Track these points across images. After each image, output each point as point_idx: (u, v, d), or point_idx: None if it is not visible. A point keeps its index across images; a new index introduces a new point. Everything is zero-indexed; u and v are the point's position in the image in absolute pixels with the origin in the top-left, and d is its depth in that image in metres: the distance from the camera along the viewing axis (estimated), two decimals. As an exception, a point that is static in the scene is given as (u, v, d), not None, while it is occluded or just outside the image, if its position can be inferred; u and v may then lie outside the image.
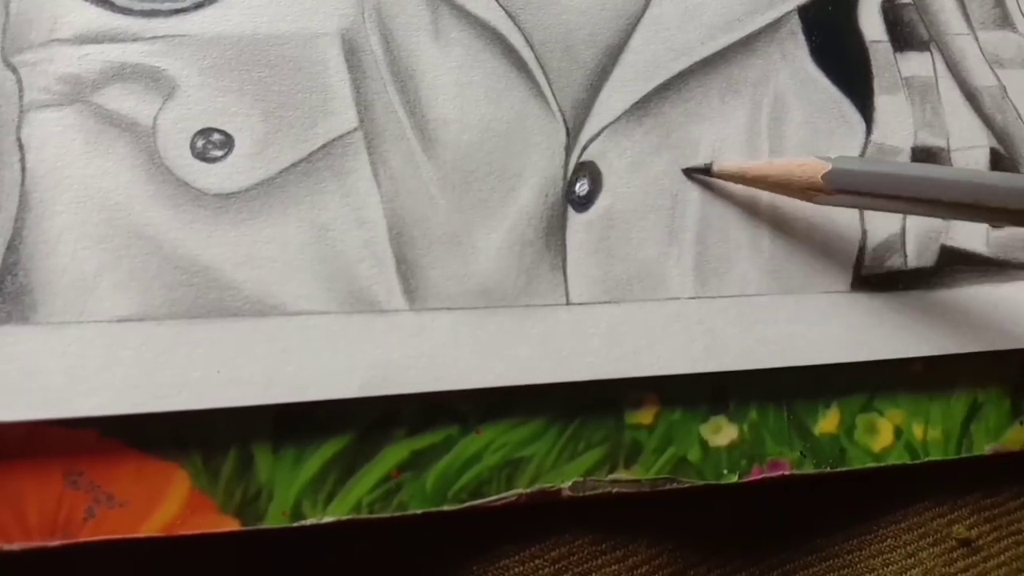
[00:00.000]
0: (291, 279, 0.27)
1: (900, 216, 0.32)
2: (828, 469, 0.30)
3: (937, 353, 0.31)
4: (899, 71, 0.33)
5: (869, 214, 0.31)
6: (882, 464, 0.31)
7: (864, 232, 0.31)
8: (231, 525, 0.26)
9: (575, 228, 0.29)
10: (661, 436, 0.29)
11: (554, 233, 0.29)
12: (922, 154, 0.33)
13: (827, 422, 0.31)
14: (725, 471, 0.29)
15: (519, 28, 0.30)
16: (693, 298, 0.29)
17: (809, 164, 0.28)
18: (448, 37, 0.29)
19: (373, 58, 0.29)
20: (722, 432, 0.30)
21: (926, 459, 0.31)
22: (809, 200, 0.29)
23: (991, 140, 0.33)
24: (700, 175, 0.30)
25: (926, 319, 0.31)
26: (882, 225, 0.32)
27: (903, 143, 0.32)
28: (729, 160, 0.30)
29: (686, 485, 0.29)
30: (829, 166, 0.28)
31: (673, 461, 0.29)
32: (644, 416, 0.29)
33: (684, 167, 0.30)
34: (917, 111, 0.33)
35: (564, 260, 0.29)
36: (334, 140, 0.28)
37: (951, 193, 0.28)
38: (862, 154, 0.32)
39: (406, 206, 0.28)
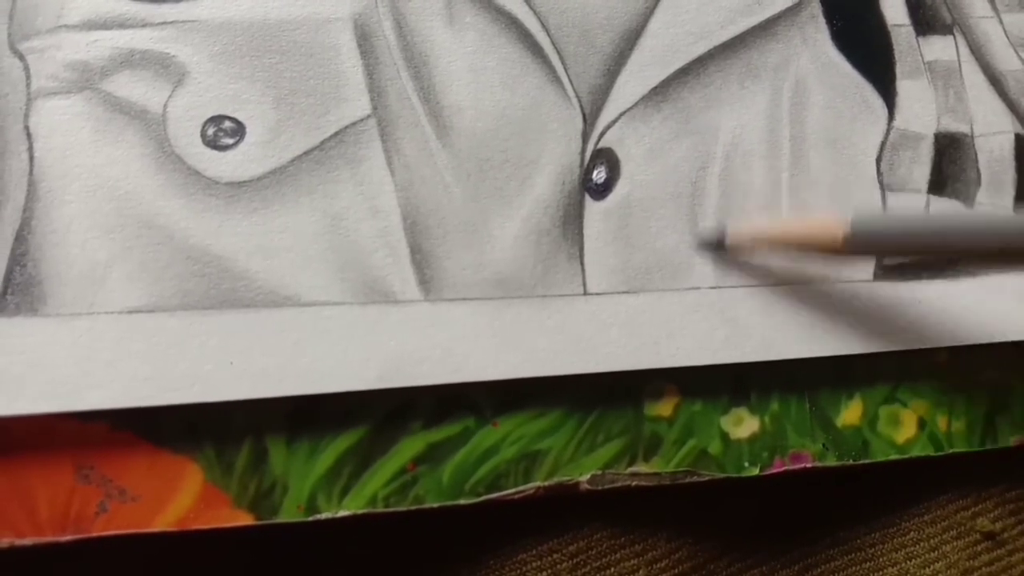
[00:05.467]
0: (305, 269, 0.27)
1: (923, 204, 0.32)
2: (851, 461, 0.30)
3: (961, 343, 0.31)
4: (922, 55, 0.33)
5: (891, 200, 0.31)
6: (906, 456, 0.30)
7: None
8: (245, 519, 0.26)
9: (592, 216, 0.29)
10: (681, 428, 0.29)
11: (571, 222, 0.29)
12: (945, 140, 0.32)
13: (850, 413, 0.30)
14: (746, 464, 0.29)
15: (534, 12, 0.29)
16: (714, 287, 0.29)
17: (827, 226, 0.27)
18: (462, 22, 0.29)
19: (386, 43, 0.28)
20: (743, 424, 0.29)
21: (950, 451, 0.31)
22: (829, 258, 0.29)
23: (1016, 126, 0.33)
24: (714, 251, 0.30)
25: (950, 309, 0.31)
26: None
27: (926, 129, 0.32)
28: (742, 229, 0.29)
29: (706, 478, 0.29)
30: (848, 228, 0.27)
31: (694, 454, 0.29)
32: (664, 408, 0.29)
33: (698, 242, 0.29)
34: (940, 96, 0.32)
35: (581, 249, 0.28)
36: (347, 128, 0.28)
37: (975, 242, 0.27)
38: (885, 139, 0.32)
39: (420, 195, 0.28)
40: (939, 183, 0.32)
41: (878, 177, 0.31)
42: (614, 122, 0.29)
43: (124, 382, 0.25)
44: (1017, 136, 0.33)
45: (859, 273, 0.30)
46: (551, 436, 0.28)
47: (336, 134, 0.27)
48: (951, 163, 0.32)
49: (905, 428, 0.31)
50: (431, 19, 0.29)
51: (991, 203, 0.32)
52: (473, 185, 0.28)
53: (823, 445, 0.30)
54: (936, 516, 0.32)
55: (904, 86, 0.32)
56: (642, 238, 0.29)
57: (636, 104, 0.30)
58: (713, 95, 0.30)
